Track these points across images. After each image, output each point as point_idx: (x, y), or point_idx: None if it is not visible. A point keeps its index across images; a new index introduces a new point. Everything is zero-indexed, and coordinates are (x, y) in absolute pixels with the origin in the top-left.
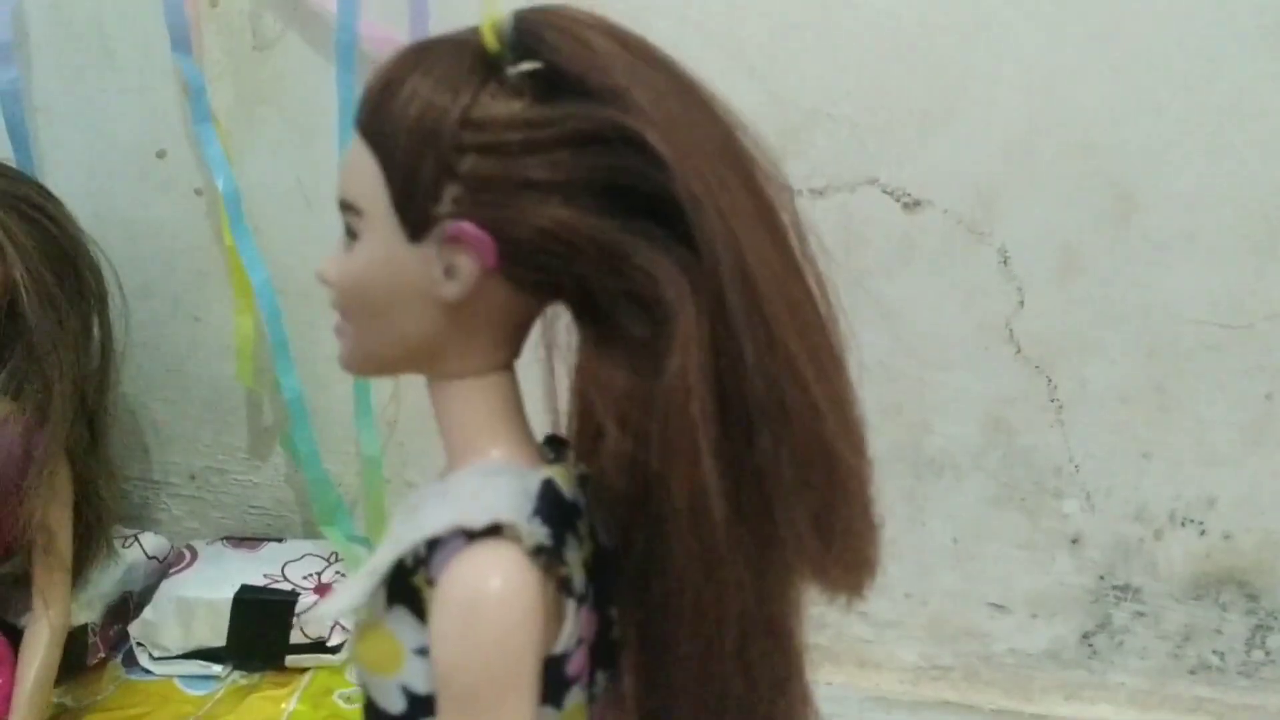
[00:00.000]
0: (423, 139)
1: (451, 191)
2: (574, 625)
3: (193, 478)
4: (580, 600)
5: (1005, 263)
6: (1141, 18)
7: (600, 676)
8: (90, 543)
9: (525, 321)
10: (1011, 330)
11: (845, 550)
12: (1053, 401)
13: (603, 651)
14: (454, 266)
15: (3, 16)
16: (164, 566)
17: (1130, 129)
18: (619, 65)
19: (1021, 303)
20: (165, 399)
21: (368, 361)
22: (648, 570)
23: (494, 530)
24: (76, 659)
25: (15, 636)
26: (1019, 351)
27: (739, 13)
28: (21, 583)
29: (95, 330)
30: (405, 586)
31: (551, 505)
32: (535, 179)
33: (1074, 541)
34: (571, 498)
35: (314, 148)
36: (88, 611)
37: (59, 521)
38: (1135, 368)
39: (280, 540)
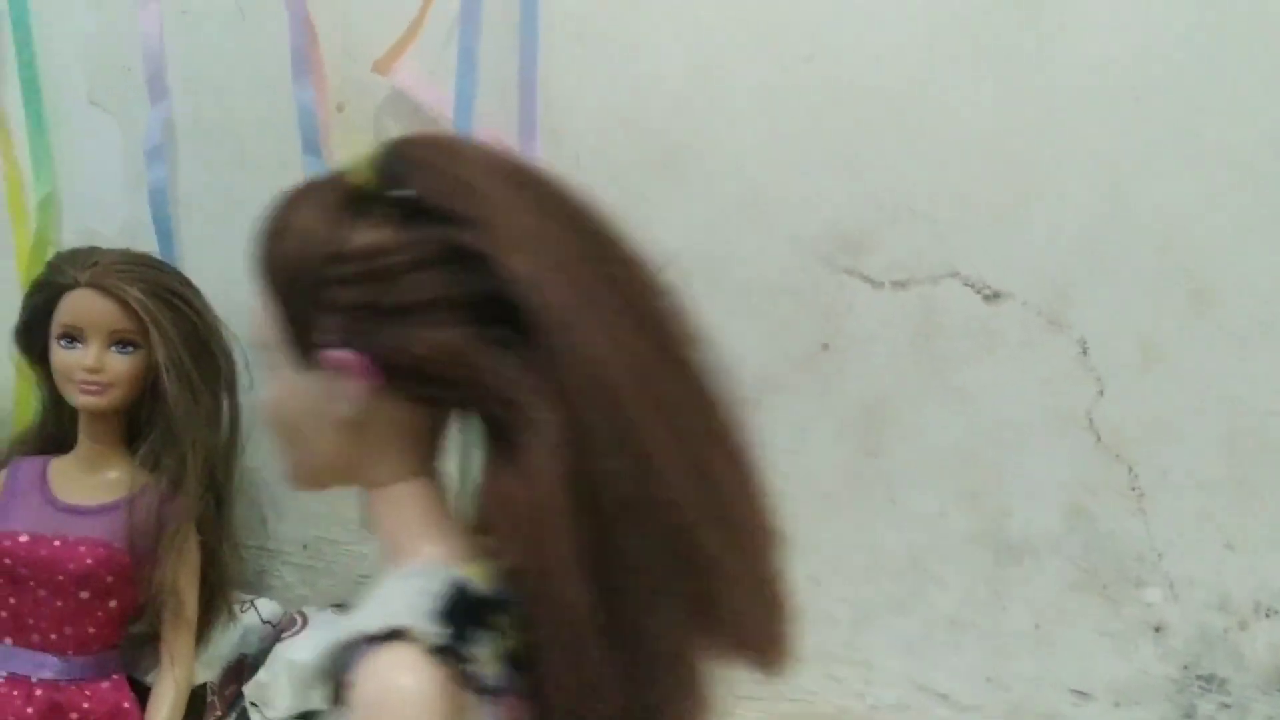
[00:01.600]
0: (295, 276)
1: (327, 321)
2: (483, 716)
3: (305, 547)
4: (494, 691)
5: (1085, 353)
6: (1214, 112)
7: None
8: (213, 606)
9: (432, 429)
10: (1091, 419)
11: (741, 633)
12: (1133, 490)
13: None
14: (341, 390)
15: (155, 123)
16: (277, 631)
17: (1204, 222)
18: (477, 189)
19: (1101, 392)
20: (283, 474)
21: (303, 477)
22: (533, 666)
23: (395, 634)
24: (195, 715)
25: (141, 691)
26: (1099, 440)
27: (822, 117)
28: (149, 642)
29: (225, 409)
30: (334, 682)
31: (454, 604)
32: (397, 303)
33: (1157, 630)
34: (490, 592)
35: None
36: (207, 671)
37: (187, 585)
38: (1216, 457)
39: None
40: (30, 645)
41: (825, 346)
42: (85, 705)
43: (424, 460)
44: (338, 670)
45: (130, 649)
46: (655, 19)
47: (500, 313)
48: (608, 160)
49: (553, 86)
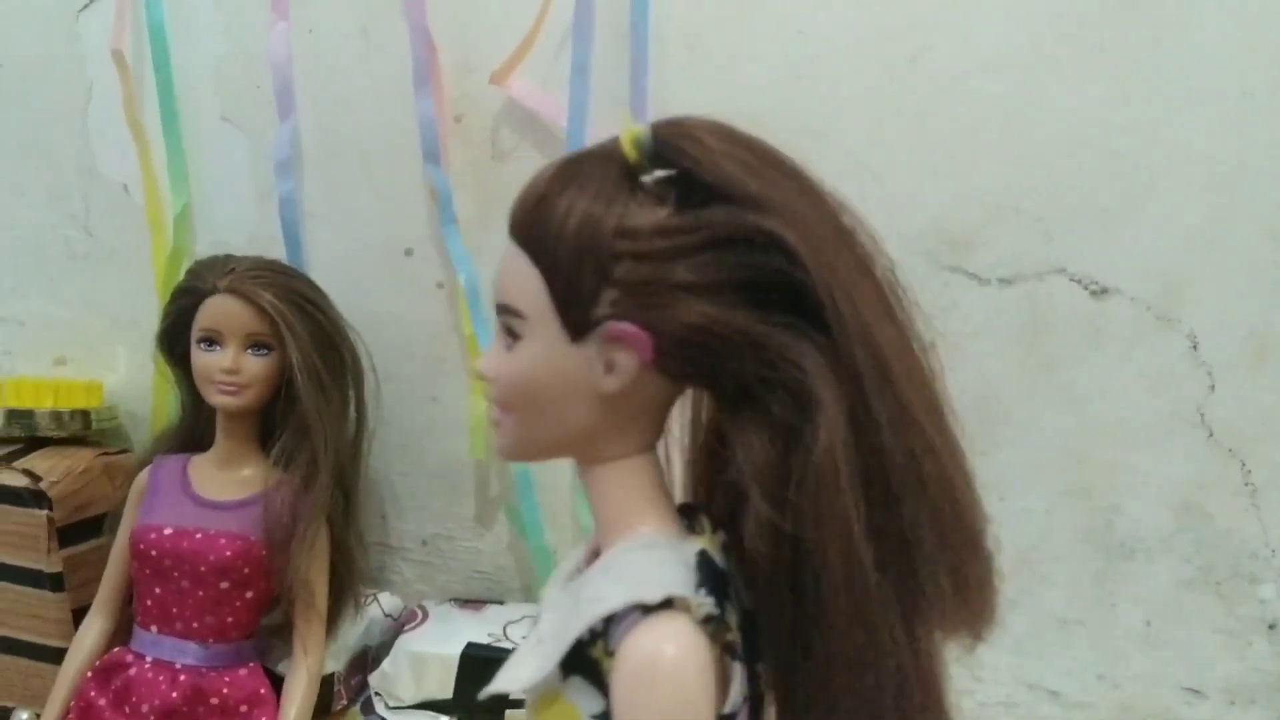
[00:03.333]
0: (582, 249)
1: (609, 295)
2: (740, 685)
3: (424, 543)
4: (743, 661)
5: (1195, 348)
6: None
7: None
8: (341, 599)
9: (669, 405)
10: (1203, 415)
11: (976, 602)
12: (1246, 486)
13: (751, 707)
14: (613, 362)
15: (284, 138)
16: (398, 624)
17: None
18: (751, 172)
19: (1212, 387)
20: (401, 471)
21: (527, 450)
22: (802, 631)
23: (667, 603)
24: (323, 704)
25: (273, 680)
26: (1211, 435)
27: (928, 117)
28: (280, 633)
29: (352, 408)
30: (583, 658)
31: (711, 575)
32: (684, 280)
33: (1271, 627)
34: (722, 566)
35: None
36: (333, 662)
37: (318, 578)
38: None
39: (501, 603)
40: (174, 633)
41: (932, 344)
42: (225, 690)
43: (656, 436)
44: (589, 638)
45: (263, 640)
46: (761, 25)
47: (775, 296)
48: None
49: (662, 94)
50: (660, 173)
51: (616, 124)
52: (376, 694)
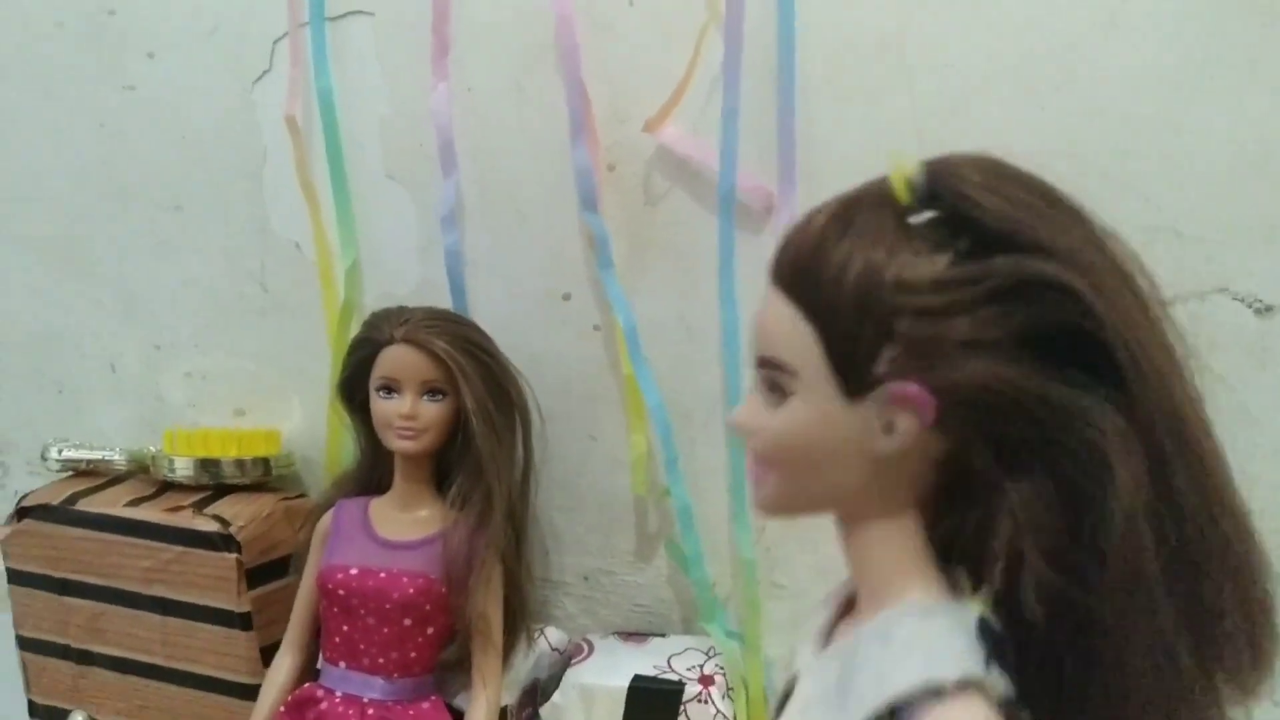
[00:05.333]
0: (862, 303)
1: (889, 352)
2: None
3: (585, 578)
4: None
5: None
6: None
7: None
8: (514, 633)
9: (941, 463)
10: None
11: (1266, 670)
12: None
13: None
14: (893, 424)
15: (447, 192)
16: (564, 657)
17: None
18: (1040, 216)
19: None
20: (562, 508)
21: (788, 506)
22: (1090, 701)
23: (962, 685)
24: None
25: (451, 714)
26: None
27: (1077, 142)
28: (457, 667)
29: (520, 448)
30: None
31: (999, 649)
32: (967, 337)
33: None
34: (998, 628)
35: (697, 287)
36: (506, 695)
37: (494, 613)
38: None
39: (663, 635)
40: (361, 668)
41: None
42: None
43: (923, 494)
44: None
45: (441, 674)
46: (906, 61)
47: (1067, 349)
48: None
49: (809, 133)
50: (929, 214)
51: (764, 165)
52: None
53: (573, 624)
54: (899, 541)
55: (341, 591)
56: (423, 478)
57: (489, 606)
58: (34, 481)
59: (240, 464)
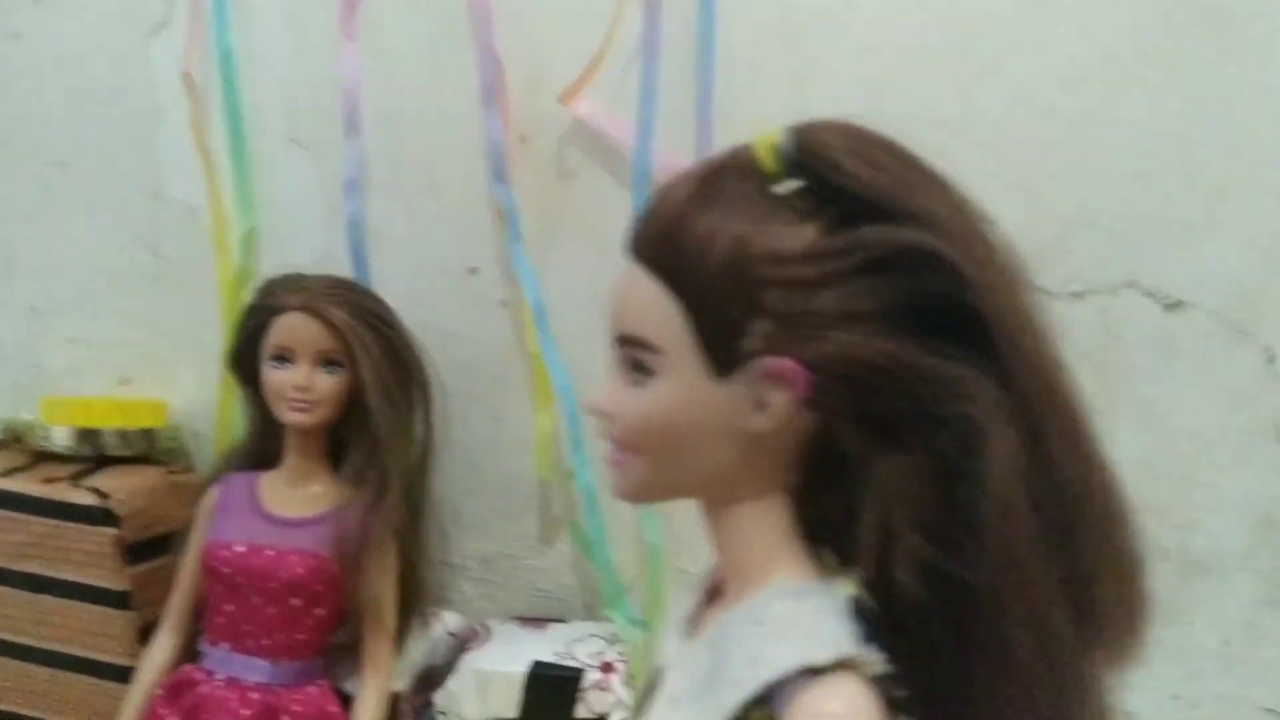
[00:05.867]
0: (729, 277)
1: (760, 327)
2: None
3: (485, 562)
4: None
5: (1271, 361)
6: None
7: None
8: (408, 616)
9: (812, 441)
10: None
11: (1140, 627)
12: None
13: None
14: (765, 401)
15: (351, 158)
16: (461, 642)
17: None
18: (910, 184)
19: None
20: (463, 489)
21: (653, 492)
22: (971, 675)
23: (839, 664)
24: None
25: (340, 698)
26: None
27: (1000, 132)
28: (348, 651)
29: (420, 425)
30: None
31: (870, 626)
32: (843, 309)
33: None
34: (871, 607)
35: (610, 265)
36: (399, 680)
37: (388, 595)
38: None
39: (563, 621)
40: (245, 650)
41: None
42: (296, 708)
43: (793, 473)
44: (755, 707)
45: (331, 657)
46: (829, 44)
47: (941, 320)
48: None
49: (729, 112)
50: (796, 183)
51: (682, 143)
52: (442, 713)
53: (471, 608)
54: (767, 523)
55: (226, 570)
56: (316, 453)
57: (382, 588)
58: None
59: (123, 435)
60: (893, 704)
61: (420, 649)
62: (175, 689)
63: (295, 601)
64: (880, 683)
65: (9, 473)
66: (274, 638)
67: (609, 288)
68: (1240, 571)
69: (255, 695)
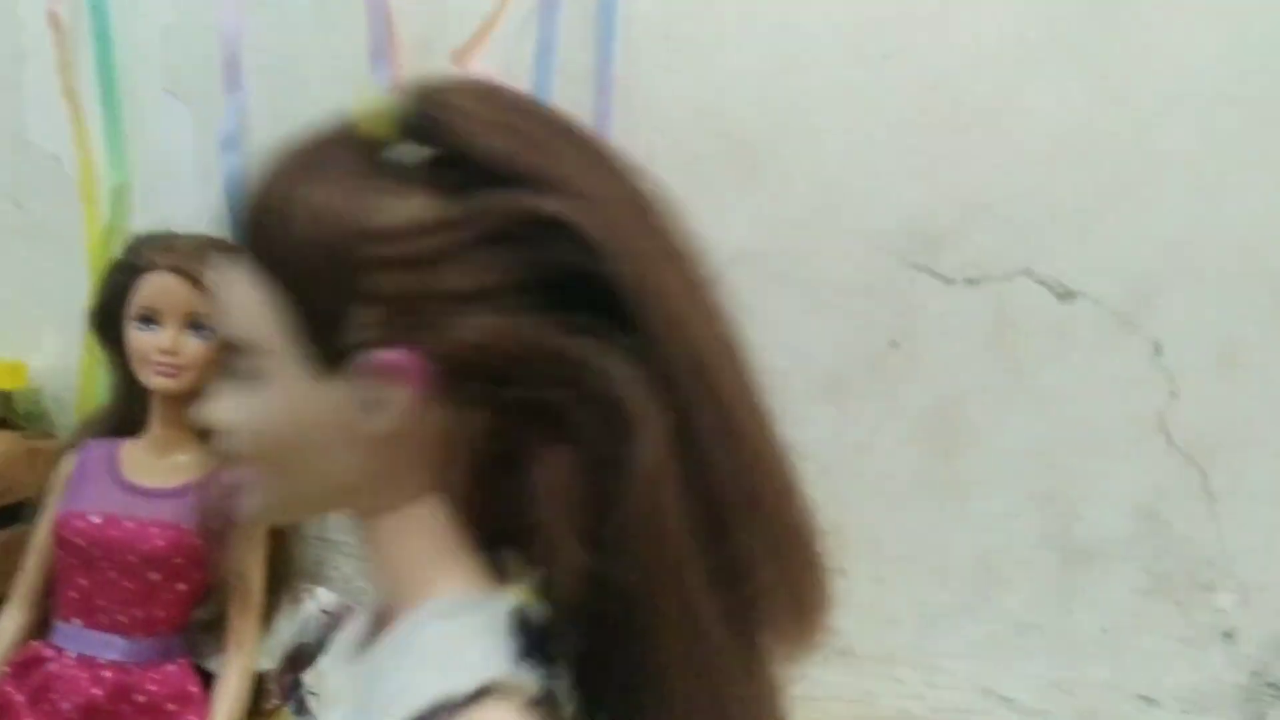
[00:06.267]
0: (323, 261)
1: (365, 315)
2: None
3: None
4: None
5: (1158, 353)
6: None
7: None
8: (278, 593)
9: (462, 434)
10: (1164, 421)
11: (814, 619)
12: (1206, 493)
13: None
14: (380, 399)
15: (231, 112)
16: (334, 620)
17: None
18: (538, 146)
19: (1174, 394)
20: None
21: (284, 511)
22: (633, 687)
23: (484, 691)
24: (254, 703)
25: (203, 677)
26: (1171, 443)
27: (903, 114)
28: (211, 628)
29: None
30: None
31: (529, 641)
32: (460, 288)
33: (1227, 636)
34: (541, 619)
35: None
36: (266, 659)
37: (254, 571)
38: None
39: None
40: (99, 626)
41: (895, 344)
42: (152, 688)
43: (446, 473)
44: None
45: (193, 634)
46: (736, 15)
47: (576, 292)
48: (682, 155)
49: (629, 81)
50: (415, 150)
51: (579, 109)
52: (312, 692)
53: (348, 586)
54: (421, 533)
55: (80, 541)
56: (181, 421)
57: (249, 563)
58: None
59: None
60: None
61: (290, 626)
62: (24, 666)
63: (154, 576)
64: (545, 704)
65: None
66: (130, 613)
67: None
68: (1122, 561)
69: (108, 674)
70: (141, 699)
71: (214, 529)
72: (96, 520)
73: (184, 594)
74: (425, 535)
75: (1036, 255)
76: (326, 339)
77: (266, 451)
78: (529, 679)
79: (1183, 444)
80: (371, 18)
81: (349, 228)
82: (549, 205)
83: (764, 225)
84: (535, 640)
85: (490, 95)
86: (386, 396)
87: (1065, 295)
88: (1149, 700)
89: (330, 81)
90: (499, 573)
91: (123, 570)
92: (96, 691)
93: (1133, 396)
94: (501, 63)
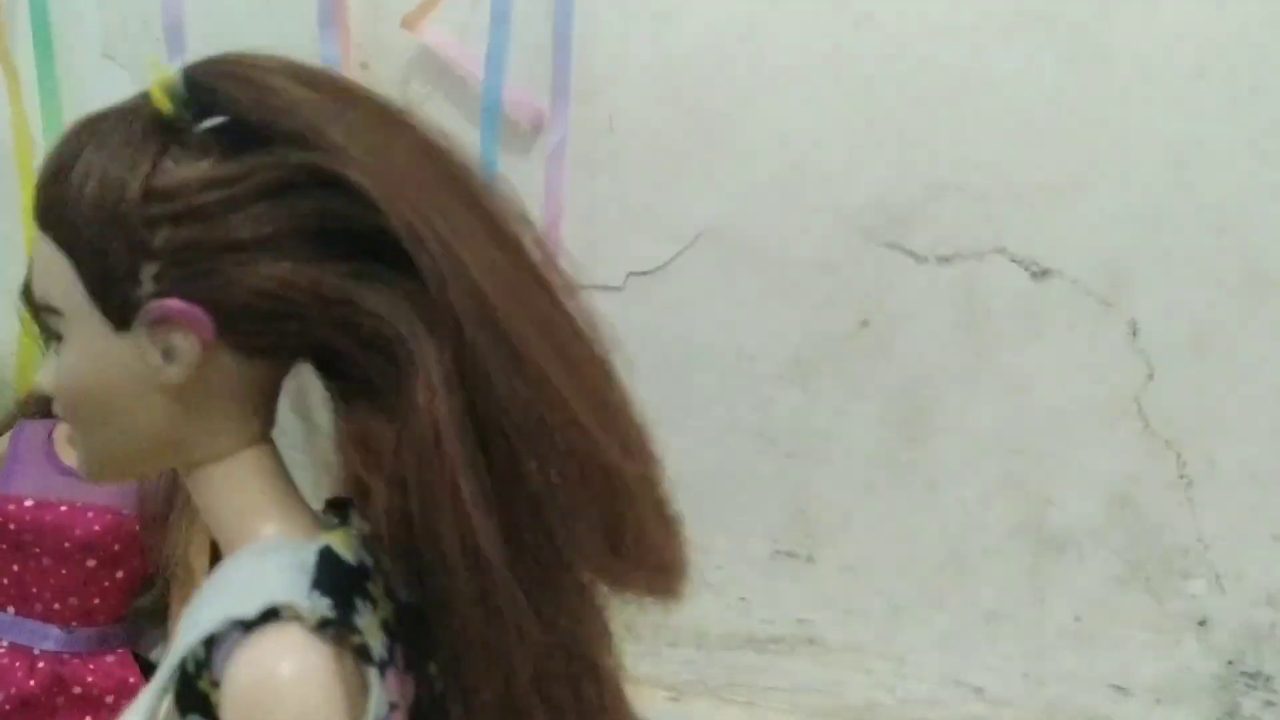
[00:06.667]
0: (106, 220)
1: (150, 269)
2: (380, 692)
3: None
4: (383, 665)
5: (1134, 334)
6: (1276, 92)
7: None
8: None
9: (269, 388)
10: (1140, 405)
11: (642, 556)
12: (1181, 479)
13: (431, 712)
14: (171, 349)
15: None
16: None
17: (1266, 207)
18: (305, 106)
19: (1150, 376)
20: (291, 444)
21: (109, 468)
22: (436, 620)
23: (272, 614)
24: None
25: (144, 668)
26: (1147, 426)
27: (872, 86)
28: (152, 615)
29: None
30: (193, 693)
31: (331, 574)
32: (238, 239)
33: (1201, 624)
34: (356, 560)
35: None
36: None
37: (198, 557)
38: (1268, 448)
39: None
40: (33, 615)
41: (865, 324)
42: (89, 679)
43: (261, 425)
44: (195, 670)
45: (134, 622)
46: None
47: (353, 241)
48: (644, 126)
49: (588, 48)
50: (209, 122)
51: (535, 76)
52: None
53: None
54: (242, 481)
55: (12, 526)
56: None
57: (191, 550)
58: None
59: None
60: (358, 652)
61: None
62: None
63: (90, 562)
64: (330, 629)
65: None
66: (65, 601)
67: None
68: (1095, 548)
69: (43, 665)
70: (78, 690)
71: (154, 513)
72: (29, 504)
73: (122, 581)
74: (246, 486)
75: (1010, 233)
76: (118, 296)
77: (79, 409)
78: (318, 604)
79: (1158, 428)
80: None
81: (131, 191)
82: (316, 160)
83: (728, 200)
84: (337, 577)
85: (252, 64)
86: (175, 345)
87: (1040, 274)
88: (1122, 690)
89: (277, 47)
90: (346, 522)
91: (57, 557)
92: (31, 683)
93: (1108, 380)
94: (456, 29)
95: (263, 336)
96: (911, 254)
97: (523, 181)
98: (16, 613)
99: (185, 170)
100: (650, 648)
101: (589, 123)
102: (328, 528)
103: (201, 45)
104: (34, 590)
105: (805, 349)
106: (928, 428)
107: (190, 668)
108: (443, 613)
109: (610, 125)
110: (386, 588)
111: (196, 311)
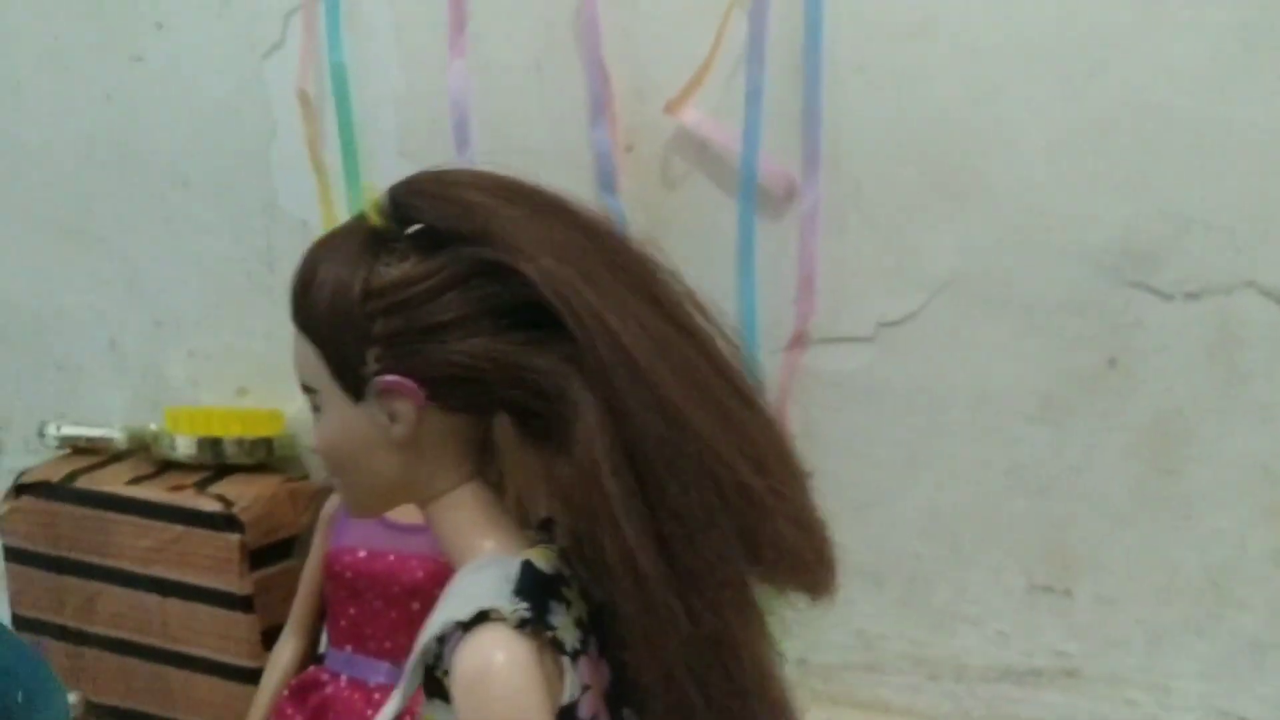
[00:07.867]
0: (339, 318)
1: (373, 352)
2: (574, 676)
3: None
4: (575, 654)
5: None
6: None
7: (628, 713)
8: None
9: (476, 436)
10: None
11: (781, 557)
12: None
13: (625, 692)
14: (395, 413)
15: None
16: None
17: None
18: (480, 209)
19: None
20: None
21: (364, 504)
22: (611, 615)
23: (483, 616)
24: None
25: None
26: None
27: (1109, 130)
28: None
29: None
30: (433, 681)
31: (530, 582)
32: (435, 322)
33: None
34: (553, 570)
35: (714, 273)
36: None
37: None
38: None
39: None
40: (368, 652)
41: (1113, 363)
42: (417, 709)
43: (474, 466)
44: (433, 662)
45: None
46: (936, 46)
47: (526, 315)
48: (889, 186)
49: (835, 118)
50: (412, 229)
51: (788, 148)
52: None
53: None
54: (464, 511)
55: (349, 574)
56: None
57: None
58: (29, 459)
59: (242, 444)
60: (553, 645)
61: None
62: (301, 689)
63: (415, 605)
64: (527, 627)
65: (137, 480)
66: (395, 640)
67: (712, 295)
68: None
69: (378, 696)
70: (408, 719)
71: None
72: (363, 555)
73: None
74: (465, 514)
75: (1259, 266)
76: (353, 375)
77: (335, 462)
78: (519, 608)
79: None
80: (589, 73)
81: (355, 293)
82: (491, 254)
83: (973, 249)
84: (535, 584)
85: (448, 179)
86: (398, 410)
87: None
88: None
89: (551, 137)
90: (543, 539)
91: (387, 601)
92: (369, 712)
93: None
94: (713, 109)
95: (462, 397)
96: (1159, 292)
97: (779, 244)
98: (354, 651)
99: (393, 271)
100: (910, 681)
101: (839, 186)
102: (533, 544)
103: (485, 137)
104: (367, 631)
105: (1054, 388)
106: (1181, 459)
107: (430, 660)
108: (613, 610)
109: (859, 187)
110: (582, 590)
111: (410, 383)
